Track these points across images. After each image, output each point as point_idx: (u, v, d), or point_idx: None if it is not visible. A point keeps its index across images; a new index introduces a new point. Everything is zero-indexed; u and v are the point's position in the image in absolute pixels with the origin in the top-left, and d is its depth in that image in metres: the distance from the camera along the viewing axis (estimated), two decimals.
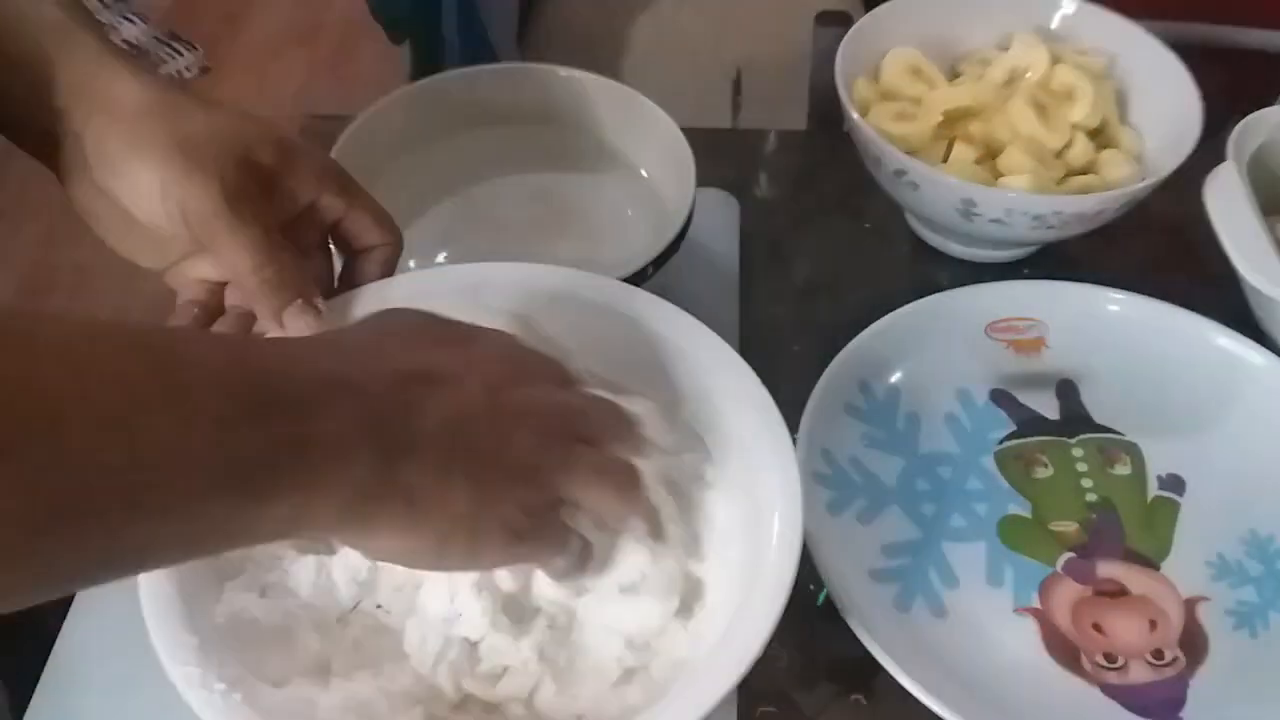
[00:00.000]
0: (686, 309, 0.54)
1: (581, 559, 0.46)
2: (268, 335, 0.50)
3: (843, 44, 0.74)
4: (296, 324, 0.49)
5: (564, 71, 0.74)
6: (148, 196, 0.48)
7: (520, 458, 0.42)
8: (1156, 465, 0.64)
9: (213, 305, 0.53)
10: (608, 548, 0.47)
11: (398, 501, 0.39)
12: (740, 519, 0.50)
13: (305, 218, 0.52)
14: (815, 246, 0.78)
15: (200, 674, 0.44)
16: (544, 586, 0.48)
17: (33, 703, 0.56)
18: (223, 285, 0.53)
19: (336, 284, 0.55)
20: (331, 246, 0.55)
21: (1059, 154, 0.72)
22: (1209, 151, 0.68)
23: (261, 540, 0.40)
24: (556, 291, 0.54)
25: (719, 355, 0.52)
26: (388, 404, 0.39)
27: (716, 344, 0.52)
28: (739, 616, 0.46)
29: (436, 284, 0.55)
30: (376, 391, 0.39)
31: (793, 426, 0.60)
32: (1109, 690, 0.55)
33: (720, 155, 0.76)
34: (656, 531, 0.48)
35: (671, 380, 0.53)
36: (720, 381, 0.52)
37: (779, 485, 0.48)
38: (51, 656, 0.57)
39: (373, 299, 0.53)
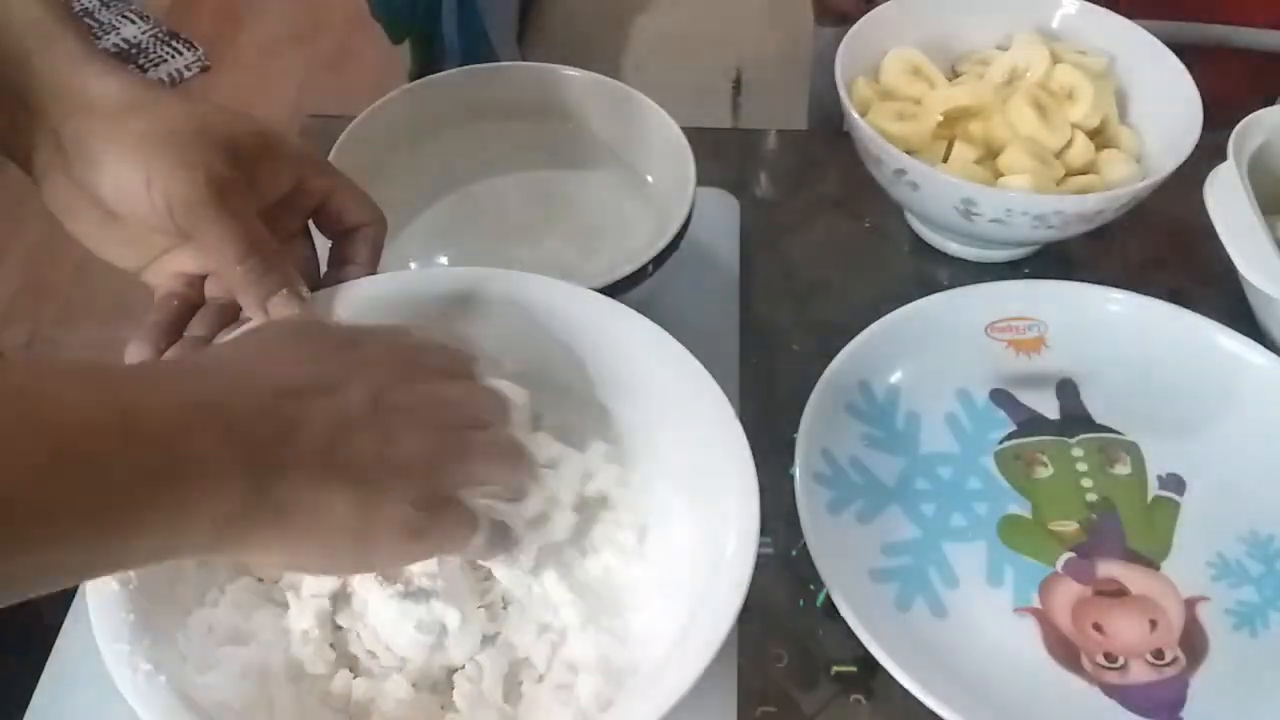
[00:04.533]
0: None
1: (499, 535, 0.47)
2: (235, 333, 0.50)
3: (843, 44, 0.74)
4: (282, 313, 0.49)
5: (564, 70, 0.74)
6: (132, 191, 0.48)
7: (407, 455, 0.42)
8: (1156, 465, 0.64)
9: (192, 297, 0.53)
10: (521, 516, 0.48)
11: (269, 519, 0.39)
12: (700, 538, 0.50)
13: (286, 204, 0.52)
14: (815, 246, 0.78)
15: (129, 651, 0.44)
16: (499, 571, 0.49)
17: (33, 703, 0.56)
18: (202, 278, 0.53)
19: (327, 266, 0.55)
20: (314, 233, 0.55)
21: (1059, 154, 0.72)
22: (1209, 151, 0.68)
23: (138, 565, 0.41)
24: (543, 302, 0.54)
25: (686, 371, 0.52)
26: (258, 424, 0.39)
27: (686, 360, 0.52)
28: (689, 630, 0.46)
29: (430, 284, 0.55)
30: (245, 412, 0.39)
31: (793, 426, 0.60)
32: (1109, 690, 0.55)
33: (720, 155, 0.76)
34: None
35: (642, 399, 0.53)
36: (685, 400, 0.51)
37: (737, 507, 0.48)
38: (51, 656, 0.57)
39: (361, 293, 0.53)
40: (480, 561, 0.49)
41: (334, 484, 0.40)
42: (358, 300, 0.52)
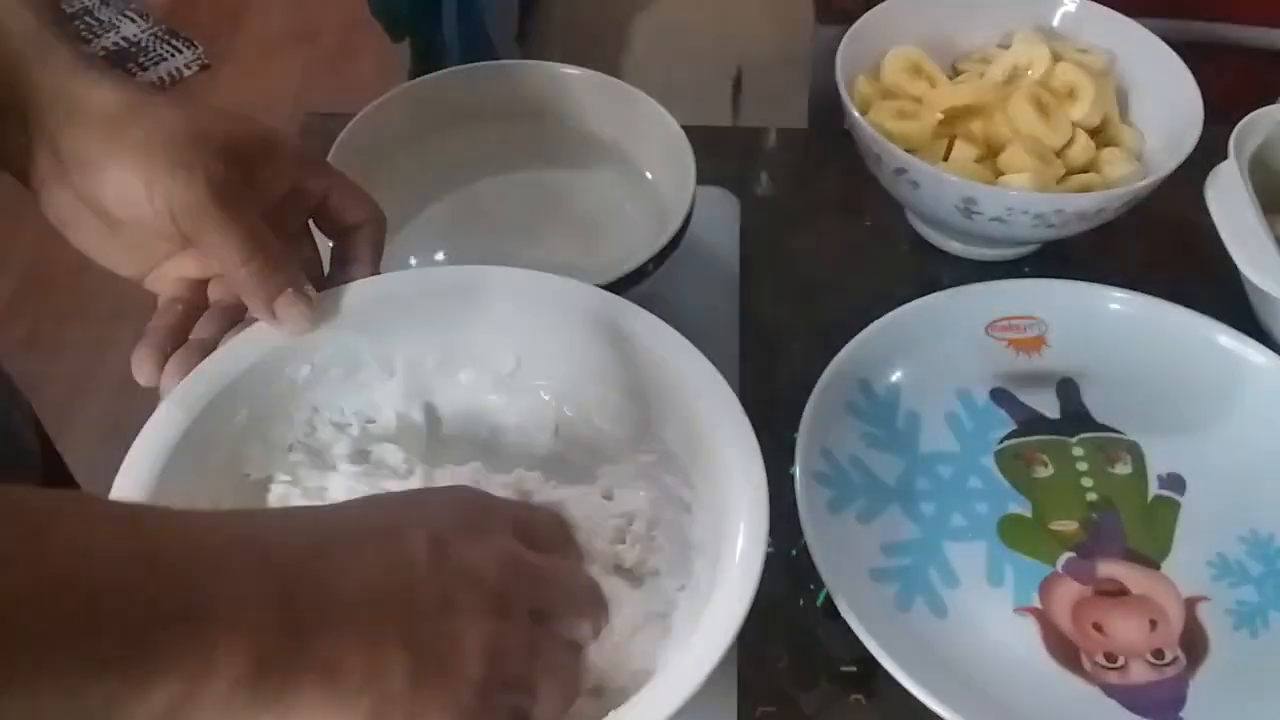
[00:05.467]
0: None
1: None
2: (249, 330, 0.50)
3: (843, 42, 0.74)
4: (288, 313, 0.49)
5: (564, 69, 0.74)
6: (133, 197, 0.48)
7: (470, 627, 0.38)
8: (1157, 464, 0.64)
9: (196, 301, 0.53)
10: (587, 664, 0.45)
11: (313, 679, 0.35)
12: (708, 536, 0.49)
13: (286, 205, 0.52)
14: (815, 245, 0.78)
15: None
16: None
17: None
18: (204, 282, 0.53)
19: (329, 266, 0.55)
20: (315, 233, 0.55)
21: (1060, 152, 0.72)
22: (1209, 150, 0.67)
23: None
24: (546, 298, 0.54)
25: (696, 369, 0.52)
26: (301, 566, 0.36)
27: (695, 357, 0.52)
28: (697, 631, 0.45)
29: (434, 282, 0.55)
30: (289, 552, 0.36)
31: (793, 426, 0.60)
32: (1109, 690, 0.55)
33: (720, 153, 0.75)
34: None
35: (651, 395, 0.53)
36: (696, 396, 0.51)
37: (748, 502, 0.47)
38: None
39: (368, 293, 0.52)
40: None
41: (388, 644, 0.36)
42: (366, 299, 0.52)
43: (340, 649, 0.35)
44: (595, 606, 0.45)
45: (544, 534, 0.45)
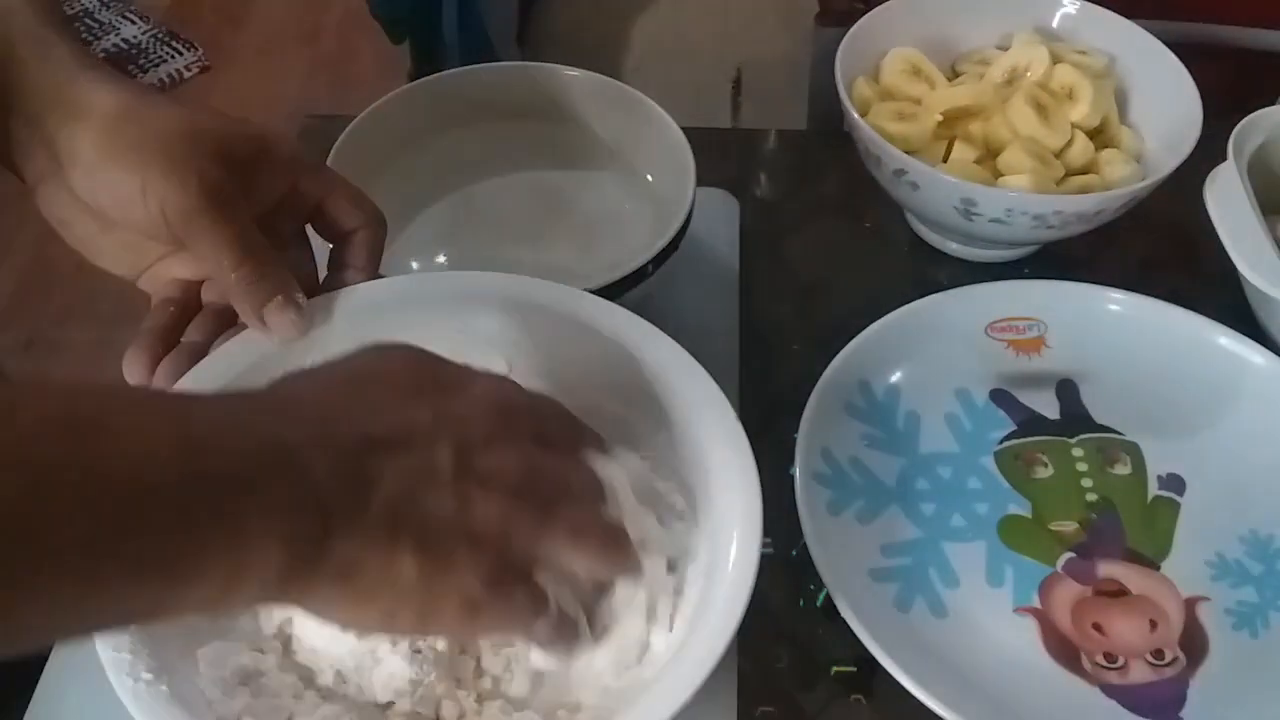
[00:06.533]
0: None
1: (566, 630, 0.44)
2: (242, 335, 0.50)
3: (843, 44, 0.74)
4: (277, 320, 0.49)
5: (564, 70, 0.74)
6: (128, 198, 0.48)
7: (483, 524, 0.40)
8: (1156, 465, 0.64)
9: (189, 303, 0.53)
10: (604, 614, 0.46)
11: (333, 577, 0.38)
12: (701, 541, 0.49)
13: (282, 208, 0.52)
14: (815, 246, 0.78)
15: (130, 660, 0.43)
16: (535, 658, 0.47)
17: (33, 702, 0.56)
18: (198, 284, 0.53)
19: (326, 270, 0.54)
20: (311, 237, 0.55)
21: (1059, 154, 0.72)
22: (1209, 151, 0.67)
23: (188, 614, 0.37)
24: (538, 304, 0.54)
25: (689, 374, 0.52)
26: (335, 476, 0.38)
27: (687, 363, 0.52)
28: (691, 638, 0.45)
29: (428, 287, 0.55)
30: (320, 464, 0.38)
31: (793, 426, 0.60)
32: (1109, 690, 0.55)
33: (720, 155, 0.76)
34: (649, 606, 0.47)
35: (643, 401, 0.53)
36: (689, 402, 0.51)
37: (742, 506, 0.47)
38: (51, 658, 0.57)
39: (361, 298, 0.52)
40: (536, 652, 0.45)
41: (402, 546, 0.38)
42: (357, 305, 0.52)
43: (359, 552, 0.38)
44: (597, 495, 0.45)
45: (558, 433, 0.46)
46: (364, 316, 0.52)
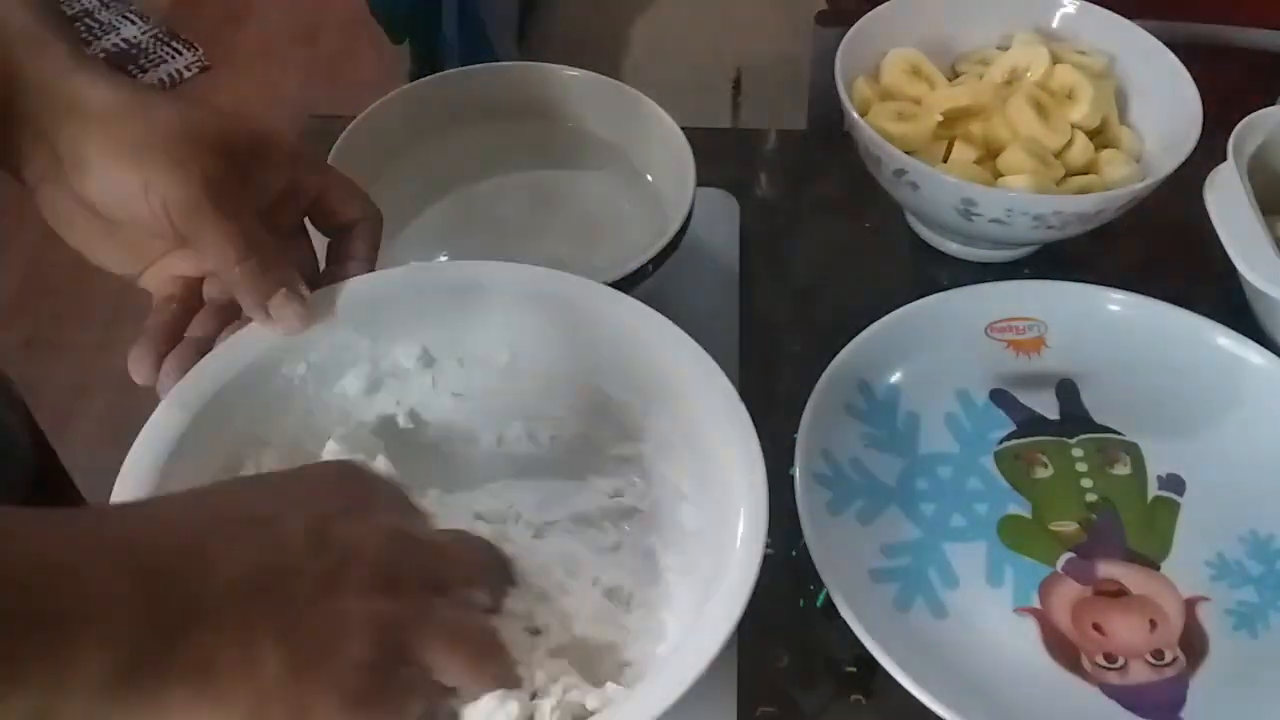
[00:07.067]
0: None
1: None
2: (246, 329, 0.50)
3: (843, 44, 0.74)
4: (282, 313, 0.49)
5: (564, 70, 0.74)
6: (129, 196, 0.48)
7: (353, 607, 0.36)
8: (1156, 465, 0.64)
9: (191, 300, 0.53)
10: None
11: (184, 680, 0.34)
12: (707, 523, 0.49)
13: (282, 203, 0.52)
14: (815, 246, 0.78)
15: None
16: None
17: None
18: (200, 281, 0.53)
19: (324, 263, 0.54)
20: (310, 231, 0.55)
21: (1059, 154, 0.72)
22: (1209, 151, 0.68)
23: None
24: (546, 293, 0.53)
25: (693, 360, 0.51)
26: (170, 565, 0.34)
27: (691, 349, 0.52)
28: (697, 621, 0.45)
29: (430, 279, 0.55)
30: (158, 551, 0.34)
31: (793, 426, 0.60)
32: (1109, 690, 0.55)
33: (720, 155, 0.76)
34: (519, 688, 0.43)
35: (647, 386, 0.53)
36: (694, 387, 0.51)
37: (746, 488, 0.47)
38: None
39: (363, 290, 0.52)
40: None
41: (261, 636, 0.35)
42: (360, 297, 0.52)
43: (212, 648, 0.34)
44: (492, 572, 0.43)
45: (455, 573, 0.43)
46: (369, 307, 0.52)
